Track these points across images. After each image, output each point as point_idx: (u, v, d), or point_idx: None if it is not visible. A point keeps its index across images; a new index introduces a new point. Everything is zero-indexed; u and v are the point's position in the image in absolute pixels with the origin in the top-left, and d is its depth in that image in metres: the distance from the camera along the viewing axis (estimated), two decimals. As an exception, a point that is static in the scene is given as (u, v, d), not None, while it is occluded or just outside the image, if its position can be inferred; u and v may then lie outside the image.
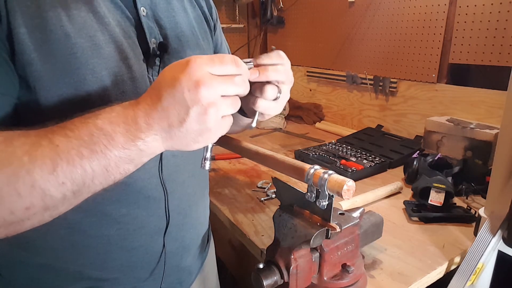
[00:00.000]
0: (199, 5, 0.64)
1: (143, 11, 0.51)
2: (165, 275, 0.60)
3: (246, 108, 0.56)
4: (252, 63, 0.47)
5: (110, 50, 0.46)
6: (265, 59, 0.47)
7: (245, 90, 0.41)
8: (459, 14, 1.12)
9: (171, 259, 0.61)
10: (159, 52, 0.52)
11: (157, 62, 0.52)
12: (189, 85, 0.36)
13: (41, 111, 0.42)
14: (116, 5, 0.48)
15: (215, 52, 0.72)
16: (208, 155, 0.47)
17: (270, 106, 0.50)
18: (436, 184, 0.83)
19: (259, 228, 0.81)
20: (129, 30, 0.49)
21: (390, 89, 1.39)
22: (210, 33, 0.67)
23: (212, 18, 0.69)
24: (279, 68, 0.48)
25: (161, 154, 0.54)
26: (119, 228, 0.53)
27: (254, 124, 0.53)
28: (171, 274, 0.62)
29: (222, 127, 0.40)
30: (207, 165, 0.47)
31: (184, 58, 0.38)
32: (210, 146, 0.46)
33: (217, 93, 0.37)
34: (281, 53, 0.50)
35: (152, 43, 0.51)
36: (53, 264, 0.52)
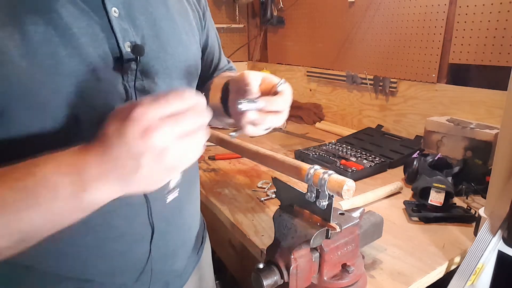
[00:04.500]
0: None
1: (115, 12, 0.45)
2: (152, 280, 0.58)
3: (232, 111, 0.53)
4: (255, 103, 0.46)
5: (74, 65, 0.41)
6: (269, 105, 0.47)
7: (203, 120, 0.38)
8: (459, 14, 1.12)
9: (157, 264, 0.58)
10: (135, 56, 0.47)
11: (133, 67, 0.47)
12: (138, 133, 0.34)
13: (2, 141, 0.40)
14: (82, 11, 0.43)
15: (204, 47, 0.67)
16: (172, 185, 0.44)
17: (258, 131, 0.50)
18: (436, 184, 0.83)
19: (259, 228, 0.81)
20: (97, 38, 0.44)
21: (390, 89, 1.39)
22: (199, 24, 0.63)
23: (200, 8, 0.64)
24: (280, 115, 0.49)
25: None
26: (96, 237, 0.50)
27: (235, 135, 0.51)
28: (159, 279, 0.59)
29: (188, 160, 0.37)
30: (169, 198, 0.45)
31: (127, 104, 0.36)
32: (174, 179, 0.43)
33: (171, 136, 0.35)
34: (287, 96, 0.50)
35: (127, 47, 0.46)
36: (36, 266, 0.50)
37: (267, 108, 0.47)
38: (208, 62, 0.72)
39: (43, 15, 0.40)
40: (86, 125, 0.43)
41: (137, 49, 0.46)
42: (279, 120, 0.50)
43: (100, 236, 0.50)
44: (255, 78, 0.50)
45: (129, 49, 0.46)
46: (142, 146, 0.34)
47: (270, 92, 0.50)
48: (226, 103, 0.56)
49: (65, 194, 0.34)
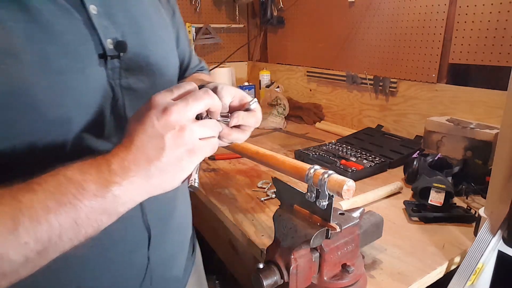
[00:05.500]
0: None
1: (93, 9, 0.44)
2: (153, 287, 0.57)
3: None
4: (226, 119, 0.47)
5: (63, 62, 0.41)
6: (241, 121, 0.48)
7: (214, 101, 0.41)
8: (459, 14, 1.12)
9: (157, 271, 0.57)
10: (118, 53, 0.47)
11: (117, 64, 0.47)
12: (158, 115, 0.36)
13: None
14: (62, 8, 0.42)
15: (176, 46, 0.66)
16: (196, 173, 0.44)
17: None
18: (436, 184, 0.83)
19: (259, 228, 0.81)
20: (80, 35, 0.43)
21: (390, 89, 1.39)
22: (171, 19, 0.63)
23: (170, 6, 0.64)
24: (246, 132, 0.50)
25: None
26: (92, 245, 0.47)
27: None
28: (160, 286, 0.58)
29: (204, 147, 0.39)
30: (196, 182, 0.44)
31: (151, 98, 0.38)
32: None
33: (187, 115, 0.37)
34: (259, 115, 0.50)
35: (109, 44, 0.45)
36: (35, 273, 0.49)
37: (238, 123, 0.48)
38: (179, 61, 0.70)
39: (22, 12, 0.38)
40: (79, 126, 0.43)
41: (119, 46, 0.46)
42: (245, 136, 0.50)
43: (97, 244, 0.47)
44: (228, 94, 0.49)
45: (111, 46, 0.46)
46: (162, 124, 0.36)
47: (241, 108, 0.50)
48: None
49: (91, 190, 0.33)
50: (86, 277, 0.49)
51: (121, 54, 0.46)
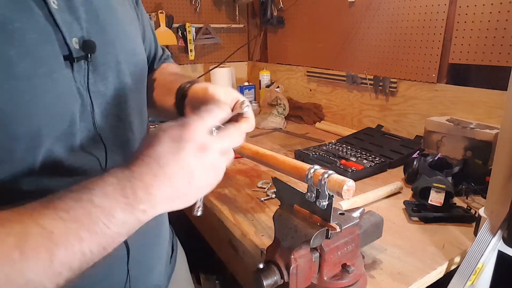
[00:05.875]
0: None
1: (54, 3, 0.38)
2: None
3: None
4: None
5: (25, 65, 0.35)
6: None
7: (241, 139, 0.43)
8: (459, 14, 1.12)
9: (137, 283, 0.55)
10: (85, 54, 0.42)
11: (84, 66, 0.42)
12: (195, 153, 0.36)
13: None
14: (18, 1, 0.36)
15: (142, 38, 0.61)
16: (200, 201, 0.44)
17: None
18: (436, 184, 0.83)
19: (259, 228, 0.81)
20: (44, 33, 0.38)
21: (390, 89, 1.39)
22: (135, 14, 0.59)
23: None
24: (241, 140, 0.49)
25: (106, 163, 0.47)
26: None
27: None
28: None
29: (223, 169, 0.40)
30: (200, 211, 0.45)
31: (179, 122, 0.37)
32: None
33: (220, 152, 0.38)
34: (252, 121, 0.49)
35: (75, 44, 0.40)
36: None
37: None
38: (146, 54, 0.66)
39: None
40: (50, 139, 0.39)
41: (87, 46, 0.42)
42: (238, 143, 0.49)
43: None
44: (229, 100, 0.49)
45: (77, 46, 0.41)
46: (197, 165, 0.36)
47: (233, 109, 0.49)
48: (181, 109, 0.55)
49: (119, 218, 0.33)
50: None
51: (89, 55, 0.42)
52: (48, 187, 0.36)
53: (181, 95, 0.55)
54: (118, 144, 0.49)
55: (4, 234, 0.29)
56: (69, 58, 0.40)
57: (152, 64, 0.70)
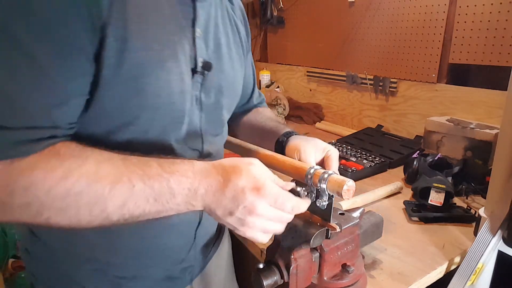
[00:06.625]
0: (238, 30, 0.68)
1: (198, 33, 0.54)
2: (193, 266, 0.67)
3: None
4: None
5: (171, 64, 0.50)
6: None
7: (281, 228, 0.48)
8: (459, 14, 1.12)
9: (196, 249, 0.66)
10: (203, 71, 0.56)
11: (199, 80, 0.55)
12: (250, 204, 0.43)
13: (102, 110, 0.47)
14: (179, 25, 0.52)
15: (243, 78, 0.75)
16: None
17: None
18: (436, 184, 0.83)
19: (259, 228, 0.80)
20: (186, 48, 0.52)
21: (390, 89, 1.39)
22: (243, 59, 0.72)
23: (246, 46, 0.74)
24: None
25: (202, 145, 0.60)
26: (151, 228, 0.57)
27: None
28: (198, 263, 0.68)
29: (259, 235, 0.46)
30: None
31: (261, 175, 0.45)
32: None
33: (267, 218, 0.45)
34: (336, 156, 0.61)
35: (200, 62, 0.54)
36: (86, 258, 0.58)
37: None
38: (244, 89, 0.78)
39: (157, 20, 0.48)
40: (172, 137, 0.54)
41: (206, 66, 0.55)
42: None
43: (156, 228, 0.57)
44: (315, 158, 0.60)
45: (200, 64, 0.55)
46: (246, 213, 0.44)
47: (324, 159, 0.60)
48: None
49: (178, 201, 0.44)
50: (141, 256, 0.60)
51: (205, 72, 0.55)
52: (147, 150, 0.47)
53: (280, 148, 0.67)
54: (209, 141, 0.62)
55: (107, 173, 0.42)
56: (193, 71, 0.54)
57: (247, 101, 0.85)
